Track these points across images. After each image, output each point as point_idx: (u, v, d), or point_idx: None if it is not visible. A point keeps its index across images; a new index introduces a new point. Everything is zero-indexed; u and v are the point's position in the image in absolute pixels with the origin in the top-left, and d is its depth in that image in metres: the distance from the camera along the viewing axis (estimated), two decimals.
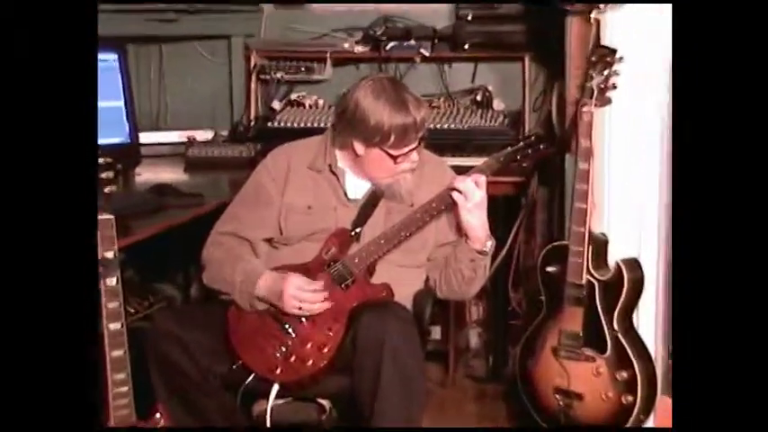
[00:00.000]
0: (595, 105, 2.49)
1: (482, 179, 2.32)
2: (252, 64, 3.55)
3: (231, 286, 2.35)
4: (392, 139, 2.29)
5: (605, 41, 2.58)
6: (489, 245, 2.38)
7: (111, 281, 2.01)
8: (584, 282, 2.54)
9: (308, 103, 3.47)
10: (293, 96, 3.52)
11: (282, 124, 3.37)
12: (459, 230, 2.38)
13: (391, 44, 3.41)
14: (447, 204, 2.36)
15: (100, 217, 1.94)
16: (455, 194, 2.32)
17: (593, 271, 2.55)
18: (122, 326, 2.03)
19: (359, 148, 2.35)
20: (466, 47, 3.34)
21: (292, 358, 2.30)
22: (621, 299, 2.53)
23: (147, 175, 3.03)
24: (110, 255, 1.99)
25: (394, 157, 2.33)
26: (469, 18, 3.32)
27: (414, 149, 2.34)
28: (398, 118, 2.28)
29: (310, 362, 2.28)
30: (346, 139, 2.38)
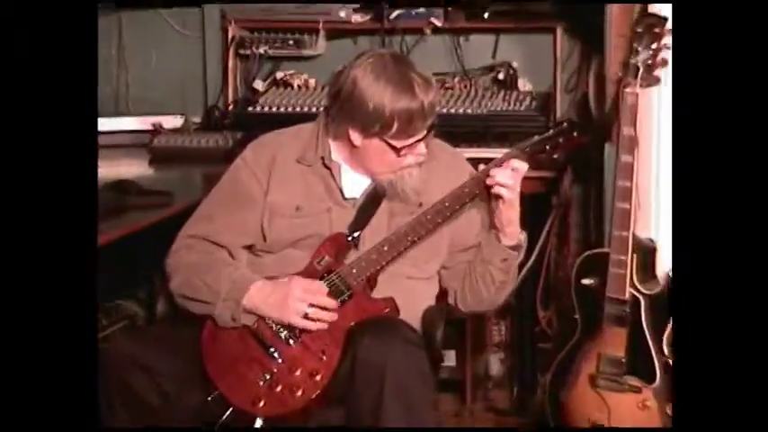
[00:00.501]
0: (641, 86, 2.49)
1: (524, 166, 2.33)
2: (230, 36, 3.56)
3: (213, 294, 2.34)
4: (395, 127, 2.30)
5: (653, 8, 2.59)
6: (522, 238, 2.42)
7: None
8: (627, 297, 2.55)
9: (296, 83, 3.49)
10: (279, 75, 3.54)
11: (266, 109, 3.39)
12: (493, 226, 2.39)
13: (396, 12, 3.42)
14: (462, 204, 2.37)
15: None
16: (498, 189, 2.33)
17: (638, 284, 2.56)
18: None
19: (356, 137, 2.35)
20: (485, 15, 3.35)
21: (278, 388, 2.30)
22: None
23: (104, 169, 3.02)
24: None
25: (397, 149, 2.33)
26: None
27: (421, 140, 2.35)
28: (402, 102, 2.29)
29: (300, 392, 2.29)
30: (341, 127, 2.38)
